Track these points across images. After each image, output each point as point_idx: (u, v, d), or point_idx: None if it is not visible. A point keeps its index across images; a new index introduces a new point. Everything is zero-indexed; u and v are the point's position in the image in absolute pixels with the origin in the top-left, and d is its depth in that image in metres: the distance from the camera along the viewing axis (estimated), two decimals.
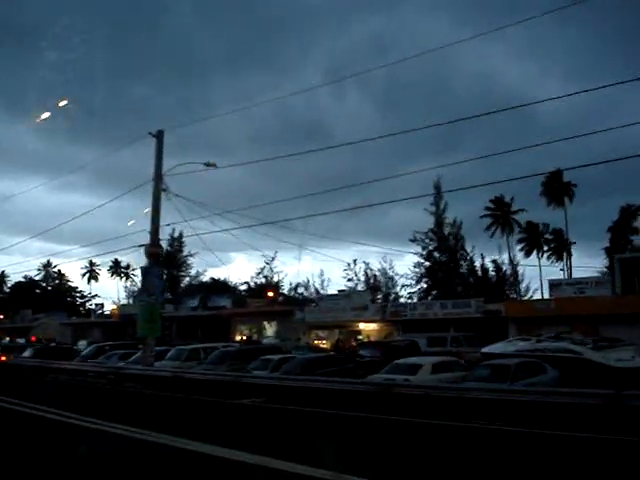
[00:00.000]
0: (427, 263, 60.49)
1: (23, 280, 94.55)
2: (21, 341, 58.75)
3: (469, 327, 33.37)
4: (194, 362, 27.84)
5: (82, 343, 50.93)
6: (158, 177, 27.22)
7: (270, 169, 79.40)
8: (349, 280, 58.73)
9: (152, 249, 26.86)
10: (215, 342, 35.95)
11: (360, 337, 40.64)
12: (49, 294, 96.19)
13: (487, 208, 69.90)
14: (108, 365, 27.77)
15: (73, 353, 37.46)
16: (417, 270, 60.10)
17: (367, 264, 59.88)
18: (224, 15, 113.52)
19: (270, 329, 46.84)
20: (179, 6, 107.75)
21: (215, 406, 18.17)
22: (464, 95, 77.28)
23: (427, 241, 59.66)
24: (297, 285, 65.99)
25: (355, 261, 58.38)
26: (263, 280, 67.04)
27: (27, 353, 37.36)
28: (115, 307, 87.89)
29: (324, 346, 39.13)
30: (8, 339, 56.40)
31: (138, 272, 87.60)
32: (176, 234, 75.24)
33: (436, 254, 60.09)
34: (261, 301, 52.75)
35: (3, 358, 36.43)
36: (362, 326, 39.07)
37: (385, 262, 60.63)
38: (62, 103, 25.62)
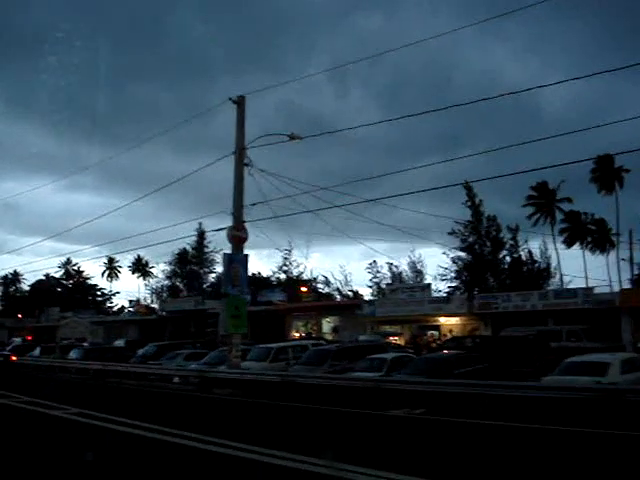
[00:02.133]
0: (466, 256, 57.87)
1: (43, 278, 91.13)
2: (17, 340, 55.34)
3: (571, 320, 29.52)
4: (282, 363, 24.22)
5: (119, 342, 47.51)
6: (240, 150, 23.54)
7: (277, 167, 77.08)
8: (374, 277, 58.36)
9: (235, 233, 23.14)
10: (271, 339, 32.34)
11: (432, 332, 36.96)
12: (70, 292, 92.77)
13: (529, 197, 66.16)
14: (188, 368, 24.08)
15: (126, 353, 33.84)
16: (456, 263, 57.03)
17: (390, 264, 58.30)
18: (226, 16, 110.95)
19: (328, 325, 43.11)
20: (181, 7, 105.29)
21: (361, 419, 14.43)
22: (468, 93, 74.78)
23: (466, 234, 56.92)
24: (314, 280, 63.74)
25: (375, 261, 57.56)
26: (284, 276, 64.35)
27: (73, 354, 33.75)
28: (142, 304, 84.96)
29: (397, 342, 35.39)
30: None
31: (158, 269, 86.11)
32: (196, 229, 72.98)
33: (476, 247, 57.14)
34: (308, 296, 49.27)
35: (14, 358, 33.92)
36: (442, 320, 35.31)
37: (414, 256, 59.06)
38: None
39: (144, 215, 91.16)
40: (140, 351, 32.27)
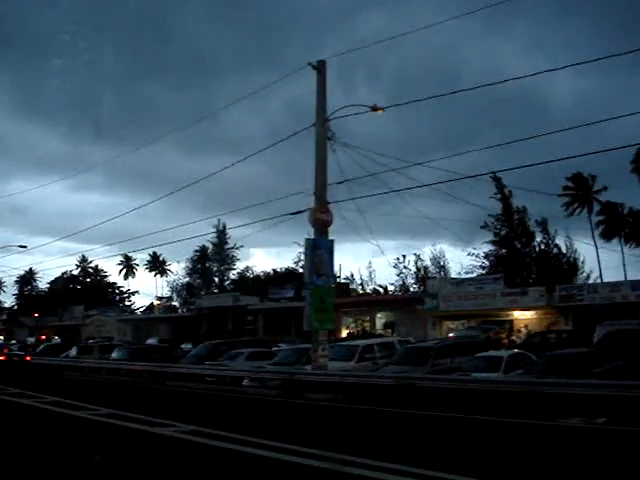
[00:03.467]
0: (499, 249, 56.76)
1: (63, 277, 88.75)
2: (31, 340, 53.08)
3: None
4: (368, 362, 21.52)
5: (151, 341, 44.98)
6: (321, 121, 20.75)
7: (287, 165, 75.14)
8: (400, 273, 57.16)
9: (319, 215, 20.34)
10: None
11: (494, 327, 34.07)
12: (89, 290, 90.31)
13: (565, 187, 63.64)
14: (272, 370, 21.26)
15: (174, 353, 31.19)
16: (487, 257, 56.36)
17: (418, 255, 57.95)
18: (231, 16, 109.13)
19: (380, 321, 40.31)
20: (187, 7, 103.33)
21: (529, 431, 11.58)
22: (475, 91, 72.35)
23: (499, 227, 55.94)
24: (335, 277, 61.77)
25: (405, 256, 56.78)
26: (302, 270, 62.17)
27: (117, 354, 31.09)
28: (159, 302, 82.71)
29: None
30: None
31: (178, 267, 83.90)
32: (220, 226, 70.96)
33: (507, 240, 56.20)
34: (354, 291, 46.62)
35: (28, 358, 31.18)
36: (516, 314, 32.42)
37: (436, 250, 58.63)
38: None
39: (154, 214, 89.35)
40: (193, 351, 29.62)
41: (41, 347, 39.54)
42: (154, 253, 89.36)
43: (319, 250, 20.19)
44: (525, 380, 14.05)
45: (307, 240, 20.30)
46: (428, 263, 58.42)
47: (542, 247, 57.41)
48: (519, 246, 57.54)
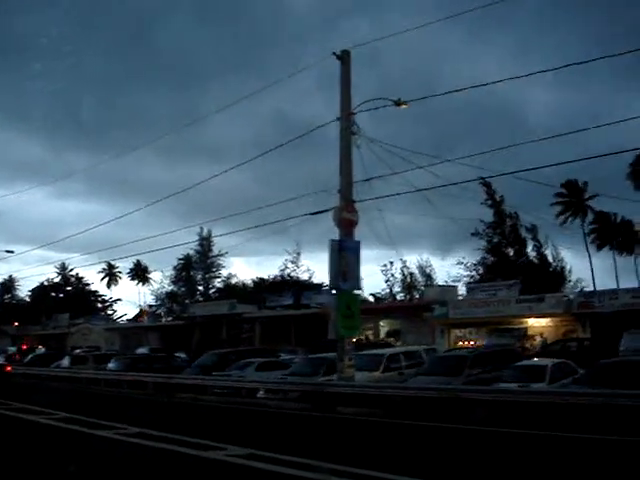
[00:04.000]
0: (491, 257, 55.74)
1: (40, 284, 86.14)
2: (12, 349, 51.04)
3: None
4: (394, 372, 20.22)
5: (141, 350, 43.26)
6: (346, 115, 19.46)
7: (272, 173, 74.39)
8: (387, 280, 56.76)
9: (345, 215, 19.00)
10: (322, 346, 28.17)
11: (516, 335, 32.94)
12: (70, 299, 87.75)
13: (558, 194, 62.98)
14: (297, 381, 19.75)
15: (174, 363, 29.63)
16: (477, 266, 55.53)
17: (404, 262, 56.57)
18: (216, 23, 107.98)
19: (383, 329, 39.04)
20: (173, 14, 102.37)
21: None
22: (454, 102, 71.92)
23: (491, 234, 55.13)
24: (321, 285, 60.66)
25: (392, 262, 55.44)
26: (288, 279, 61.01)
27: (114, 365, 29.45)
28: (144, 310, 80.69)
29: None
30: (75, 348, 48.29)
31: (158, 275, 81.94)
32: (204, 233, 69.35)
33: (500, 247, 55.64)
34: None
35: (9, 368, 30.04)
36: (531, 322, 31.26)
37: (422, 259, 58.22)
38: None
39: (136, 221, 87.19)
40: (197, 360, 28.08)
41: (29, 357, 37.63)
42: (137, 261, 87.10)
43: (345, 252, 18.82)
44: (600, 392, 12.75)
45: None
46: (414, 271, 58.23)
47: (531, 255, 56.94)
48: (512, 253, 56.98)
